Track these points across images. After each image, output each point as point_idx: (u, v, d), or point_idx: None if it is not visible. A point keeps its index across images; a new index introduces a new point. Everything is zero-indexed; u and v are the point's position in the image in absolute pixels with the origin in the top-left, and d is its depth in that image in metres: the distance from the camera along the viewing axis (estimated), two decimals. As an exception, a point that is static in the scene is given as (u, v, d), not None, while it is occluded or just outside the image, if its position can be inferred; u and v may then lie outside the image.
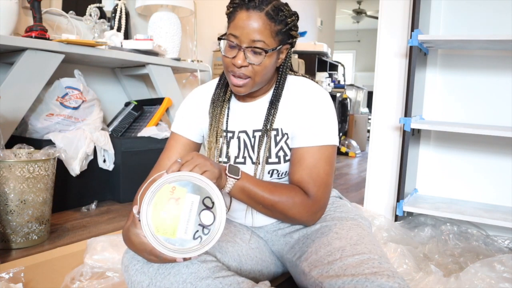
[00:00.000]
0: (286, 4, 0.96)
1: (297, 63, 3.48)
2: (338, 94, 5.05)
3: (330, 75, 4.67)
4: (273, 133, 1.02)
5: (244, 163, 1.06)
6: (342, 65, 5.17)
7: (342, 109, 5.34)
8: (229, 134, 1.07)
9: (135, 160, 2.12)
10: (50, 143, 1.79)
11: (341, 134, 5.37)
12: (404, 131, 1.66)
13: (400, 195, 1.68)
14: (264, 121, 1.01)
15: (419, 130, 1.86)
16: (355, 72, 10.62)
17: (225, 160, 1.08)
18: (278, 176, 1.05)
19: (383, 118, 1.95)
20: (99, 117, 2.04)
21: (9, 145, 1.62)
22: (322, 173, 0.97)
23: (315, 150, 0.97)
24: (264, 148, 1.01)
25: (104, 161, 2.05)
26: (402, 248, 1.33)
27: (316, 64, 4.18)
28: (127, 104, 2.44)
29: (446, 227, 1.64)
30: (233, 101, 1.08)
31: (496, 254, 1.45)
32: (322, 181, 0.97)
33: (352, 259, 0.87)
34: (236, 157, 1.07)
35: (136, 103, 2.37)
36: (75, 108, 1.94)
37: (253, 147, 1.05)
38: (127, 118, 2.34)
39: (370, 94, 6.92)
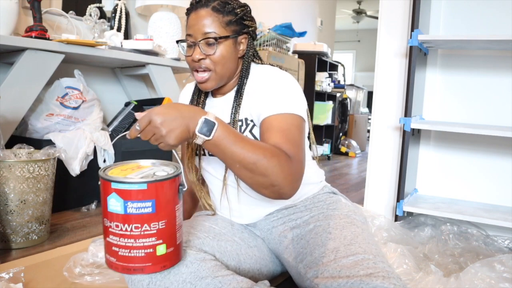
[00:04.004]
0: None
1: (297, 63, 3.48)
2: (338, 94, 5.05)
3: (330, 75, 4.67)
4: (238, 123, 1.03)
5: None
6: (342, 65, 5.17)
7: (342, 109, 5.34)
8: None
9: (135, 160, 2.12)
10: (50, 143, 1.79)
11: (341, 134, 5.37)
12: (404, 131, 1.66)
13: (400, 195, 1.68)
14: (231, 113, 1.03)
15: (419, 130, 1.86)
16: (355, 72, 10.62)
17: (202, 153, 1.11)
18: None
19: (383, 118, 1.95)
20: (99, 117, 2.04)
21: (9, 145, 1.62)
22: (296, 137, 0.92)
23: (281, 116, 0.94)
24: None
25: (104, 161, 2.05)
26: (402, 248, 1.33)
27: (316, 64, 4.18)
28: (127, 104, 2.44)
29: (446, 227, 1.64)
30: (209, 98, 1.13)
31: (496, 254, 1.45)
32: (298, 145, 0.91)
33: (347, 260, 0.86)
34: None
35: (136, 103, 2.37)
36: (75, 108, 1.94)
37: None
38: (127, 118, 2.34)
39: (370, 94, 6.92)
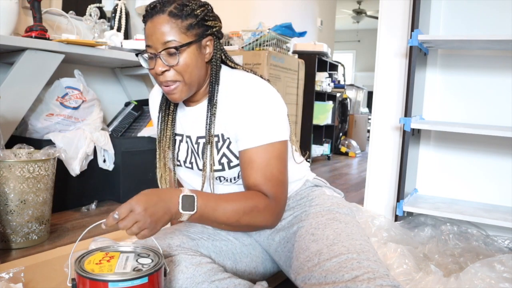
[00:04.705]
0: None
1: (297, 63, 3.48)
2: (338, 94, 5.05)
3: (330, 75, 4.67)
4: (215, 139, 0.98)
5: (191, 168, 1.05)
6: (342, 65, 5.17)
7: (342, 109, 5.34)
8: (178, 138, 1.06)
9: (135, 160, 2.12)
10: (50, 143, 1.79)
11: (341, 134, 5.37)
12: (404, 131, 1.66)
13: (400, 195, 1.68)
14: (206, 124, 0.97)
15: (419, 130, 1.85)
16: (355, 72, 10.61)
17: (177, 163, 1.07)
18: (227, 181, 1.01)
19: (383, 118, 1.95)
20: (99, 117, 2.04)
21: (9, 145, 1.62)
22: (276, 171, 0.93)
23: (262, 149, 0.93)
24: (210, 156, 0.97)
25: (104, 161, 2.05)
26: (402, 248, 1.33)
27: (316, 64, 4.17)
28: (127, 104, 2.44)
29: (446, 227, 1.64)
30: (181, 107, 1.06)
31: (496, 254, 1.45)
32: (278, 180, 0.94)
33: (330, 263, 0.84)
34: (184, 162, 1.06)
35: (136, 103, 2.37)
36: (75, 108, 1.94)
37: (197, 154, 1.02)
38: (127, 118, 2.34)
39: (370, 94, 6.92)
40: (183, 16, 0.89)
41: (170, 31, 0.88)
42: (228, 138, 0.98)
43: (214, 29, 0.96)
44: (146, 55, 0.93)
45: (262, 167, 0.92)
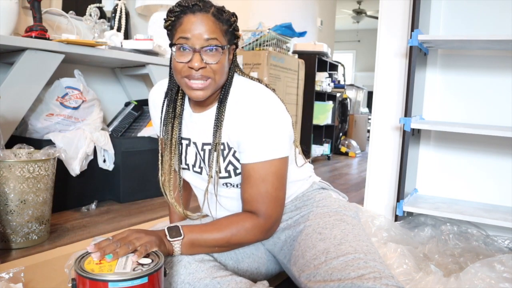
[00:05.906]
0: (223, 7, 0.96)
1: (297, 63, 3.48)
2: (338, 94, 5.05)
3: (330, 75, 4.67)
4: (221, 147, 0.98)
5: (200, 173, 1.05)
6: (342, 65, 5.17)
7: (342, 109, 5.35)
8: (185, 141, 1.05)
9: (135, 160, 2.12)
10: (50, 143, 1.79)
11: (341, 134, 5.37)
12: (404, 131, 1.66)
13: (400, 195, 1.68)
14: (213, 137, 0.97)
15: (419, 130, 1.85)
16: (355, 72, 10.62)
17: (185, 166, 1.06)
18: (234, 186, 1.02)
19: (383, 118, 1.95)
20: (99, 117, 2.04)
21: (9, 145, 1.62)
22: (270, 188, 0.94)
23: (261, 165, 0.94)
24: (215, 163, 0.97)
25: (104, 161, 2.05)
26: (402, 248, 1.33)
27: (316, 64, 4.17)
28: (127, 104, 2.44)
29: (446, 227, 1.64)
30: (187, 111, 1.04)
31: (496, 254, 1.45)
32: (271, 197, 0.95)
33: (337, 262, 0.86)
34: (193, 166, 1.05)
35: (136, 103, 2.37)
36: (75, 108, 1.94)
37: (203, 160, 1.02)
38: (127, 118, 2.34)
39: (370, 94, 6.92)
40: (223, 21, 0.92)
41: (214, 30, 0.91)
42: (232, 147, 0.98)
43: (238, 39, 1.00)
44: (185, 46, 0.91)
45: (258, 183, 0.94)
